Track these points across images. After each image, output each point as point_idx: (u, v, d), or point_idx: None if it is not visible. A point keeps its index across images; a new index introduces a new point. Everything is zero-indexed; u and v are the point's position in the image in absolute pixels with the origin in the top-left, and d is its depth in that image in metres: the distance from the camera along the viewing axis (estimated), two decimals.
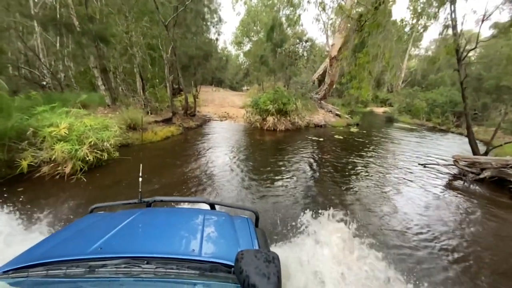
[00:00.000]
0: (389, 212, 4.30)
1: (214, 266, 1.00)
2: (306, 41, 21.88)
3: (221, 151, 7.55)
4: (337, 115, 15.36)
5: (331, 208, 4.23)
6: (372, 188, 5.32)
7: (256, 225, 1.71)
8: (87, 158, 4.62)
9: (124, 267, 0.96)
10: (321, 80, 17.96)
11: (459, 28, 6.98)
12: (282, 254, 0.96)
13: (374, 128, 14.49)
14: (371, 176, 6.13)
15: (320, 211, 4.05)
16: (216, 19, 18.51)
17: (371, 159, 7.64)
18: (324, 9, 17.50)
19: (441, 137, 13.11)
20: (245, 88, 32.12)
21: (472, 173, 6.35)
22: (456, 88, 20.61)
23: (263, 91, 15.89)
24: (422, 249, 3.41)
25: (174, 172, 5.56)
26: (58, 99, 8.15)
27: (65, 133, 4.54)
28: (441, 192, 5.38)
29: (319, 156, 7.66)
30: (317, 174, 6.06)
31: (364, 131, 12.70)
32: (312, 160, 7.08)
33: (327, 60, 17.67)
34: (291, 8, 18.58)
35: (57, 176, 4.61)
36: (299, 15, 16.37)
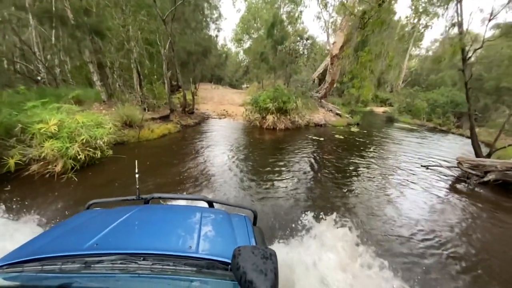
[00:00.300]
0: (393, 216, 4.14)
1: (211, 263, 1.00)
2: (307, 39, 21.62)
3: (219, 150, 7.36)
4: (337, 114, 15.18)
5: (333, 211, 4.09)
6: (374, 190, 5.16)
7: (254, 224, 1.69)
8: (79, 157, 4.40)
9: (121, 263, 0.94)
10: (321, 79, 17.77)
11: (465, 27, 6.80)
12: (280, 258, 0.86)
13: (374, 128, 14.33)
14: (373, 177, 5.97)
15: (322, 215, 3.90)
16: (216, 15, 18.24)
17: (372, 160, 7.48)
18: (325, 6, 17.27)
19: (442, 138, 12.98)
20: (244, 85, 31.87)
21: (476, 175, 6.20)
22: (457, 89, 20.50)
23: (263, 89, 15.69)
24: (429, 256, 3.25)
25: (170, 171, 5.37)
26: (52, 95, 7.95)
27: (54, 130, 4.32)
28: (445, 195, 5.23)
29: (320, 156, 7.48)
30: (318, 175, 5.89)
31: (365, 131, 12.53)
32: (312, 161, 6.91)
33: (328, 58, 17.46)
34: (292, 5, 18.29)
35: (47, 175, 4.41)
36: (301, 11, 16.06)
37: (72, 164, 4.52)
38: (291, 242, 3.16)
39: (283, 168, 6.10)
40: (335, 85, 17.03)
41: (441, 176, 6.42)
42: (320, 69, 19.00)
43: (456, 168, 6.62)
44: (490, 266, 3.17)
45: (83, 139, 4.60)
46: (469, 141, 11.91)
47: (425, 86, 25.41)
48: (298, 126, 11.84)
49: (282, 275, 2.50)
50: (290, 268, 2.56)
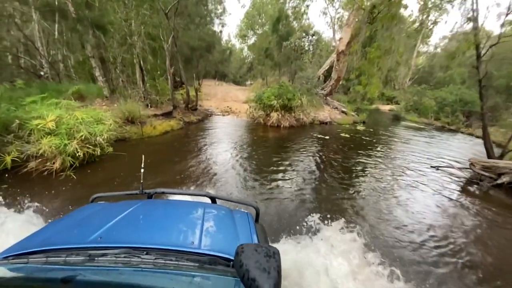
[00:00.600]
0: (403, 221, 3.93)
1: (213, 259, 1.00)
2: (313, 35, 21.21)
3: (222, 148, 7.20)
4: (343, 112, 14.88)
5: (341, 214, 3.91)
6: (383, 192, 4.95)
7: (257, 220, 1.69)
8: (77, 154, 4.27)
9: (124, 257, 0.95)
10: (326, 76, 17.43)
11: (480, 22, 6.48)
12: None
13: (381, 127, 14.02)
14: (381, 178, 5.75)
15: (329, 217, 3.71)
16: (220, 10, 17.95)
17: (380, 160, 7.24)
18: (332, 1, 16.87)
19: (451, 137, 12.63)
20: (248, 82, 31.61)
21: (489, 177, 5.94)
22: (466, 87, 19.98)
23: (267, 85, 15.43)
24: (443, 265, 3.05)
25: (171, 169, 5.23)
26: (54, 90, 7.86)
27: (52, 126, 4.19)
28: (457, 198, 4.99)
29: (325, 155, 7.27)
30: (324, 175, 5.68)
31: (371, 129, 12.24)
32: (318, 160, 6.70)
33: (333, 55, 17.10)
34: (298, 0, 17.91)
35: (45, 172, 4.30)
36: (307, 5, 15.69)
37: (71, 162, 4.40)
38: (301, 243, 3.02)
39: (288, 168, 5.91)
40: (340, 82, 16.69)
41: (452, 178, 6.16)
42: (325, 66, 18.64)
43: (468, 170, 6.36)
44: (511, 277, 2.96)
45: (82, 136, 4.47)
46: (479, 141, 11.62)
47: (433, 84, 24.84)
48: (303, 124, 11.60)
49: (292, 279, 2.38)
50: (299, 271, 2.43)
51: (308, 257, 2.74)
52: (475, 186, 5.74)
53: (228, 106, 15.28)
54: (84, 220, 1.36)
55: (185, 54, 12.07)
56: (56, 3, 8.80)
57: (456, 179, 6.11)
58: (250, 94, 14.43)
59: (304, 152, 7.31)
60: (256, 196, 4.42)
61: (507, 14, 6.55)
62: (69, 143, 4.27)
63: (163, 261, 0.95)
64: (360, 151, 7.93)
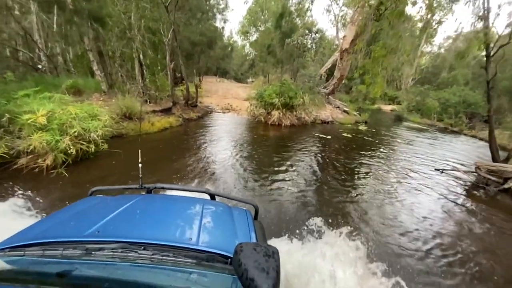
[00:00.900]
0: (409, 227, 3.76)
1: (211, 256, 0.99)
2: (316, 32, 20.91)
3: (221, 146, 7.03)
4: (345, 111, 14.69)
5: (344, 219, 3.75)
6: (387, 196, 4.78)
7: (255, 218, 1.67)
8: (69, 151, 4.09)
9: (121, 252, 0.94)
10: (329, 75, 17.21)
11: (491, 20, 6.25)
12: None
13: (383, 127, 13.83)
14: (385, 180, 5.58)
15: (332, 222, 3.56)
16: (222, 5, 17.66)
17: (383, 161, 7.07)
18: None
19: (454, 139, 12.44)
20: (250, 80, 31.37)
21: (496, 182, 5.77)
22: (470, 88, 19.74)
23: (268, 83, 15.21)
24: (451, 276, 2.88)
25: (168, 168, 5.06)
26: (51, 83, 7.67)
27: (43, 121, 4.00)
28: (464, 203, 4.82)
29: (328, 156, 7.09)
30: (326, 176, 5.51)
31: (373, 130, 12.06)
32: (320, 160, 6.53)
33: (336, 53, 16.85)
34: None
35: (36, 169, 4.13)
36: (312, 1, 15.40)
37: (63, 158, 4.23)
38: (306, 246, 2.95)
39: (289, 168, 5.74)
40: (343, 81, 16.46)
41: (457, 181, 5.99)
42: (328, 64, 18.38)
43: (473, 173, 6.19)
44: None
45: (75, 132, 4.29)
46: (483, 143, 11.48)
47: (436, 85, 24.60)
48: (304, 123, 11.42)
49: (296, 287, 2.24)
50: (307, 277, 2.35)
51: (314, 262, 2.62)
52: (481, 190, 5.56)
53: (228, 103, 15.08)
54: (82, 213, 1.33)
55: (186, 49, 11.85)
56: None
57: (462, 182, 5.94)
58: (251, 92, 14.23)
59: (306, 152, 7.13)
60: (256, 197, 4.25)
61: None
62: (61, 139, 4.09)
63: (161, 257, 0.94)
64: (362, 152, 7.75)
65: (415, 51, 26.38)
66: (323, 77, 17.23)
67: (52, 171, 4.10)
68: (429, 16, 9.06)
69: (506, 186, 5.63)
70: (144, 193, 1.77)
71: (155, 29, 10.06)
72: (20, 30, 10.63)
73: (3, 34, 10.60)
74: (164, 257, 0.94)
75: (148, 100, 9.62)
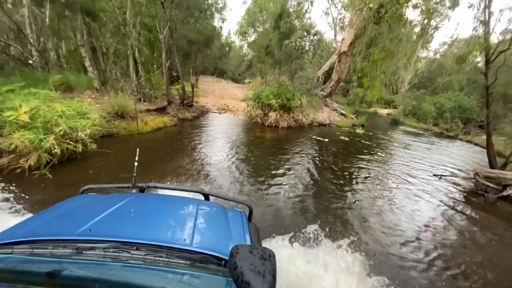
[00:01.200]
0: (410, 236, 3.62)
1: (204, 257, 0.96)
2: (314, 34, 20.87)
3: (217, 148, 6.83)
4: (342, 114, 14.61)
5: (343, 226, 3.59)
6: (387, 203, 4.64)
7: (249, 219, 1.65)
8: (53, 150, 3.85)
9: (113, 251, 0.92)
10: (326, 77, 17.15)
11: (491, 25, 6.19)
12: None
13: (380, 130, 13.79)
14: (384, 186, 5.45)
15: (330, 231, 3.39)
16: (221, 4, 17.47)
17: (381, 165, 6.95)
18: (333, 1, 16.51)
19: (450, 144, 12.45)
20: (247, 80, 31.19)
21: (495, 189, 5.69)
22: (465, 93, 19.93)
23: (266, 84, 15.05)
24: None
25: (160, 169, 4.84)
26: (40, 79, 7.35)
27: (25, 118, 3.75)
28: (464, 211, 4.70)
29: (325, 159, 6.95)
30: (324, 181, 5.35)
31: (370, 133, 11.99)
32: (318, 164, 6.37)
33: (334, 56, 16.80)
34: None
35: (19, 170, 3.87)
36: (311, 1, 15.31)
37: (48, 159, 3.98)
38: (305, 254, 2.81)
39: (286, 172, 5.57)
40: (340, 84, 16.41)
41: (456, 188, 5.90)
42: (325, 67, 18.32)
43: (472, 179, 6.11)
44: None
45: (61, 131, 4.04)
46: (479, 148, 11.52)
47: (431, 89, 24.82)
48: (302, 125, 11.28)
49: None
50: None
51: (317, 273, 2.54)
52: (481, 197, 5.48)
53: (225, 104, 14.87)
54: (73, 211, 1.29)
55: (182, 47, 11.61)
56: None
57: (461, 189, 5.85)
58: (249, 92, 14.06)
59: (303, 155, 6.97)
60: (253, 202, 4.04)
61: None
62: (45, 138, 3.84)
63: (153, 258, 0.91)
64: (360, 156, 7.63)
65: (412, 55, 26.57)
66: (320, 79, 17.16)
67: (35, 172, 3.86)
68: (425, 21, 9.01)
69: (505, 193, 5.55)
70: (134, 191, 1.71)
71: (151, 26, 9.81)
72: (11, 24, 10.27)
73: None
74: (157, 258, 0.92)
75: (142, 99, 9.36)
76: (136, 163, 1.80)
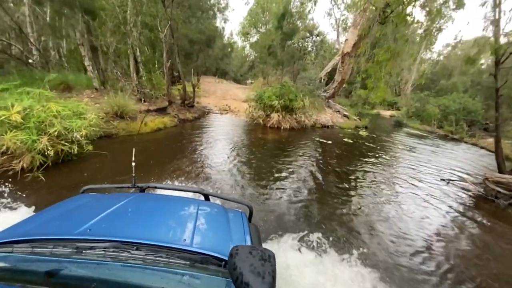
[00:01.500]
0: (421, 246, 3.42)
1: (205, 258, 0.96)
2: (317, 35, 20.70)
3: (217, 150, 6.66)
4: (345, 116, 14.41)
5: (351, 234, 3.41)
6: (393, 209, 4.44)
7: (250, 220, 1.63)
8: (47, 152, 3.69)
9: (113, 251, 0.91)
10: (329, 78, 16.97)
11: (502, 25, 5.99)
12: None
13: (383, 132, 13.57)
14: (391, 191, 5.25)
15: (336, 240, 3.21)
16: (223, 4, 17.35)
17: (386, 169, 6.75)
18: (336, 2, 16.36)
19: (455, 146, 12.20)
20: (249, 81, 31.09)
21: (505, 195, 5.47)
22: (469, 95, 19.66)
23: (268, 85, 14.89)
24: None
25: (158, 172, 4.67)
26: (40, 79, 7.23)
27: (16, 118, 3.59)
28: (475, 218, 4.49)
29: (329, 162, 6.76)
30: (328, 185, 5.16)
31: (374, 135, 11.78)
32: (322, 167, 6.18)
33: (337, 57, 16.62)
34: None
35: (11, 172, 3.72)
36: (315, 1, 15.14)
37: (42, 160, 3.83)
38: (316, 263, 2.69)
39: (289, 175, 5.38)
40: (343, 85, 16.20)
41: (466, 193, 5.68)
42: (328, 68, 18.16)
43: (481, 184, 5.90)
44: None
45: (55, 131, 3.88)
46: (485, 152, 11.28)
47: (435, 91, 24.55)
48: (304, 127, 11.09)
49: None
50: None
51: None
52: (492, 203, 5.26)
53: (227, 105, 14.73)
54: (74, 211, 1.30)
55: (184, 47, 11.48)
56: None
57: (470, 194, 5.63)
58: (251, 93, 13.89)
59: (306, 158, 6.78)
60: (255, 207, 3.87)
61: None
62: (38, 139, 3.68)
63: (153, 258, 0.91)
64: (365, 159, 7.43)
65: (416, 56, 26.36)
66: (323, 80, 16.98)
67: (28, 174, 3.70)
68: (429, 22, 8.82)
69: None
70: (132, 191, 1.70)
71: (152, 25, 9.68)
72: (12, 24, 10.18)
73: None
74: (157, 258, 0.91)
75: (143, 99, 9.22)
76: (133, 163, 1.79)
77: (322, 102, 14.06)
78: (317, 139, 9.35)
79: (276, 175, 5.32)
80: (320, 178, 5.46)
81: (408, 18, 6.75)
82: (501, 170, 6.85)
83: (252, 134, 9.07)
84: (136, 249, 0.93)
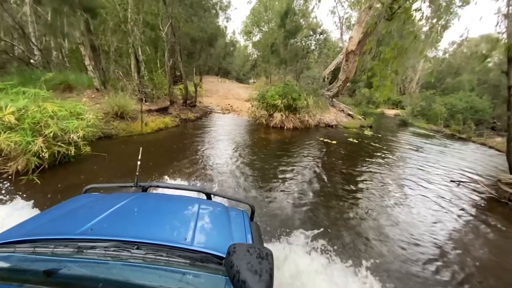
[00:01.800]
0: (433, 254, 3.21)
1: (205, 256, 0.96)
2: (321, 33, 20.42)
3: (219, 150, 6.51)
4: (349, 115, 14.17)
5: (360, 241, 3.22)
6: (403, 212, 4.24)
7: (251, 219, 1.61)
8: (42, 154, 3.56)
9: (113, 251, 0.92)
10: (332, 77, 16.73)
11: None
12: None
13: (388, 132, 13.30)
14: (400, 193, 5.04)
15: (343, 247, 3.02)
16: (225, 3, 17.19)
17: (394, 170, 6.54)
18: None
19: (463, 146, 11.90)
20: (251, 80, 30.92)
21: None
22: (476, 94, 19.23)
23: (271, 84, 14.70)
24: None
25: (158, 176, 4.51)
26: (39, 79, 7.14)
27: (9, 119, 3.46)
28: (490, 222, 4.26)
29: (334, 163, 6.56)
30: (334, 187, 4.97)
31: (379, 135, 11.53)
32: (327, 168, 5.98)
33: (340, 56, 16.38)
34: None
35: (5, 174, 3.60)
36: None
37: (37, 163, 3.70)
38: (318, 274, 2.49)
39: (294, 177, 5.21)
40: (347, 84, 15.95)
41: (478, 195, 5.45)
42: (331, 67, 17.91)
43: (493, 186, 5.66)
44: None
45: (51, 132, 3.75)
46: (494, 152, 10.98)
47: (441, 90, 24.11)
48: (308, 126, 10.89)
49: None
50: None
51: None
52: (505, 206, 5.02)
53: (229, 104, 14.58)
54: (76, 211, 1.30)
55: (186, 46, 11.34)
56: None
57: (483, 196, 5.40)
58: (253, 92, 13.74)
59: (311, 159, 6.59)
60: (258, 210, 3.70)
61: None
62: (32, 140, 3.55)
63: (154, 257, 0.91)
64: (371, 159, 7.22)
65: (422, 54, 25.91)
66: (326, 79, 16.74)
67: (23, 177, 3.57)
68: (435, 20, 8.56)
69: None
70: (134, 190, 1.71)
71: (153, 24, 9.55)
72: (14, 24, 10.12)
73: None
74: (157, 257, 0.91)
75: (144, 99, 9.09)
76: (139, 162, 1.79)
77: (326, 101, 13.83)
78: (321, 139, 9.15)
79: (280, 176, 5.15)
80: (326, 180, 5.27)
81: (417, 13, 6.53)
82: None
83: (254, 134, 8.90)
84: (137, 248, 0.93)
